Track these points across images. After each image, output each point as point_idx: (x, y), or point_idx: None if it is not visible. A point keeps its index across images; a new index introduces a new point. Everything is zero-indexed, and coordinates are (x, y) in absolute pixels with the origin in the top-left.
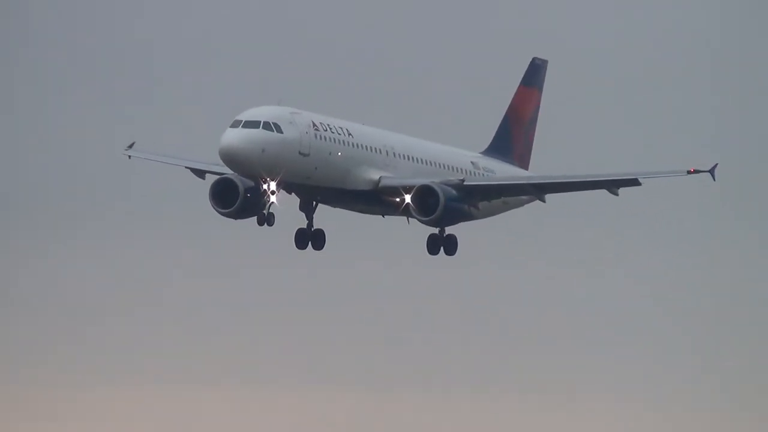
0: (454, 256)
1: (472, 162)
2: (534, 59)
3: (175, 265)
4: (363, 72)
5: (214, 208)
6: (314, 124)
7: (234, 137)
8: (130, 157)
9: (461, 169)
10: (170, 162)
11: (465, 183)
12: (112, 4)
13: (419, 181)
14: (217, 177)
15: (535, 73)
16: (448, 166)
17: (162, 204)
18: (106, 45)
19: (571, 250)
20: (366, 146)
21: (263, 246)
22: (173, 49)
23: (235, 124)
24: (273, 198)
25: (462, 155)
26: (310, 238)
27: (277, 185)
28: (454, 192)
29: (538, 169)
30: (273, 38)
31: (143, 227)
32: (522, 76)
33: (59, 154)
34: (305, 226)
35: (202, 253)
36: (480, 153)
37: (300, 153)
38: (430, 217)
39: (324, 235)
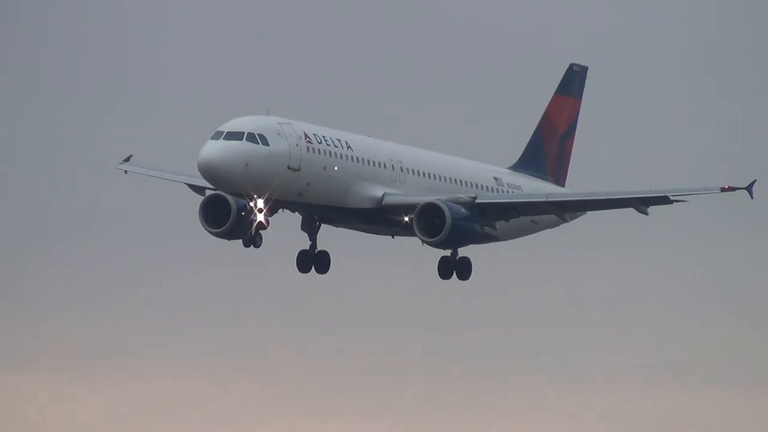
0: (467, 280)
1: (495, 178)
2: (572, 65)
3: (168, 288)
4: (375, 80)
5: (204, 227)
6: (306, 136)
7: (214, 150)
8: (126, 171)
9: (482, 186)
10: (168, 177)
11: (477, 201)
12: (108, 16)
13: (426, 198)
14: (209, 194)
15: (572, 81)
16: (466, 182)
17: (156, 222)
18: (101, 55)
19: (596, 274)
20: (368, 160)
21: (262, 269)
22: (173, 61)
23: (216, 136)
24: (260, 217)
25: (484, 170)
26: (313, 260)
27: (265, 203)
28: (463, 210)
29: (576, 185)
30: (273, 46)
31: (136, 246)
32: (558, 83)
33: (51, 166)
34: (308, 248)
35: (196, 277)
36: (508, 168)
37: (289, 167)
38: (436, 239)
39: (329, 257)
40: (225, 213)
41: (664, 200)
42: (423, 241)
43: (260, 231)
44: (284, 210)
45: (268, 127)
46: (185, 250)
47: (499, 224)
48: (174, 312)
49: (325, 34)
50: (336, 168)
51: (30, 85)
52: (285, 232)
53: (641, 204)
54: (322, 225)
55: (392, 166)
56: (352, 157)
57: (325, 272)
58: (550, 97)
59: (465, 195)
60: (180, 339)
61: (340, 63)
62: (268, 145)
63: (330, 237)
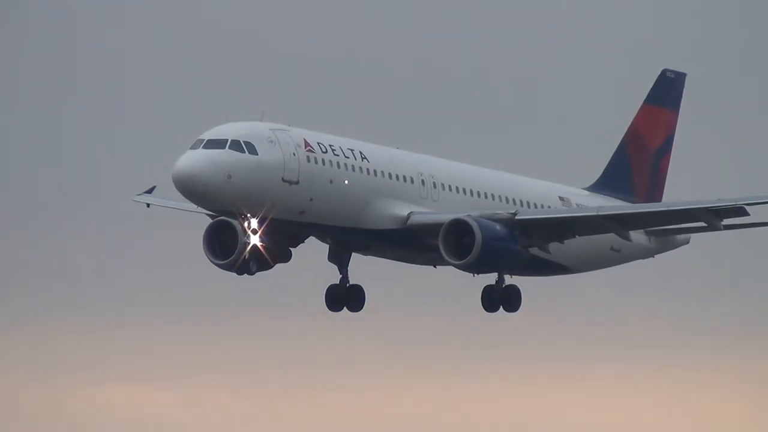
0: (515, 312)
1: (560, 198)
2: (665, 72)
3: (184, 329)
4: (427, 89)
5: (209, 258)
6: (308, 144)
7: (190, 160)
8: (148, 205)
9: (543, 207)
10: (191, 210)
11: (517, 217)
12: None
13: (454, 214)
14: (215, 219)
15: (666, 89)
16: (520, 201)
17: (170, 255)
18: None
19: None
20: (390, 173)
21: (286, 306)
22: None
23: (196, 145)
24: (254, 239)
25: (546, 188)
26: (344, 296)
27: (260, 222)
28: (499, 228)
29: None
30: (294, 50)
31: (147, 282)
32: (647, 92)
33: (63, 197)
34: (338, 282)
35: (211, 316)
36: (585, 189)
37: (284, 180)
38: (464, 261)
39: (363, 292)
40: (232, 242)
41: (739, 212)
42: (453, 265)
43: (255, 256)
44: (283, 232)
45: (258, 133)
46: (203, 287)
47: (561, 250)
48: (192, 360)
49: (358, 34)
50: (346, 182)
51: (44, 113)
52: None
53: (712, 217)
54: (353, 256)
55: (422, 180)
56: (368, 169)
57: (359, 310)
58: (638, 108)
59: (504, 211)
60: (195, 391)
61: (378, 70)
62: (257, 154)
63: (362, 269)
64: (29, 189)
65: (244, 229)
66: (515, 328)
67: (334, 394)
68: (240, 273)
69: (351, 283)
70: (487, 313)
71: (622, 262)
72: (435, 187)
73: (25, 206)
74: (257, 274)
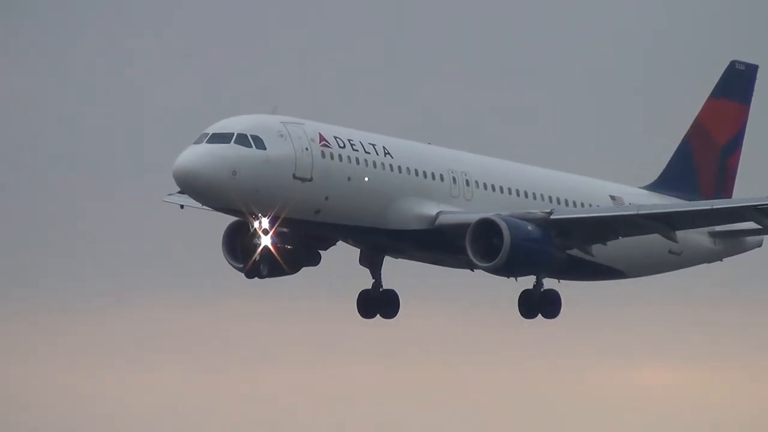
0: (554, 319)
1: (612, 196)
2: (733, 63)
3: (209, 334)
4: (467, 81)
5: (228, 261)
6: (323, 139)
7: (192, 155)
8: (182, 206)
9: (592, 206)
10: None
11: (552, 216)
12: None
13: (482, 213)
14: (234, 220)
15: (735, 82)
16: (565, 201)
17: (197, 258)
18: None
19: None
20: (417, 170)
21: (315, 313)
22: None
23: (200, 139)
24: (266, 240)
25: (596, 187)
26: (377, 303)
27: (271, 222)
28: (530, 228)
29: None
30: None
31: (171, 285)
32: (713, 85)
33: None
34: (370, 287)
35: (231, 322)
36: (643, 188)
37: (296, 177)
38: (492, 263)
39: (397, 298)
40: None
41: None
42: (481, 268)
43: (267, 258)
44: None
45: (267, 126)
46: (226, 291)
47: (609, 252)
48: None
49: (389, 24)
50: (366, 179)
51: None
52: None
53: (762, 216)
54: (386, 260)
55: (453, 178)
56: (391, 165)
57: (393, 316)
58: (703, 102)
59: (538, 210)
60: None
61: (412, 62)
62: (265, 149)
63: (396, 273)
64: (61, 192)
65: (254, 231)
66: (552, 336)
67: (364, 403)
68: (250, 276)
69: (384, 288)
70: (525, 319)
71: (684, 266)
72: (468, 185)
73: (56, 208)
74: (284, 277)
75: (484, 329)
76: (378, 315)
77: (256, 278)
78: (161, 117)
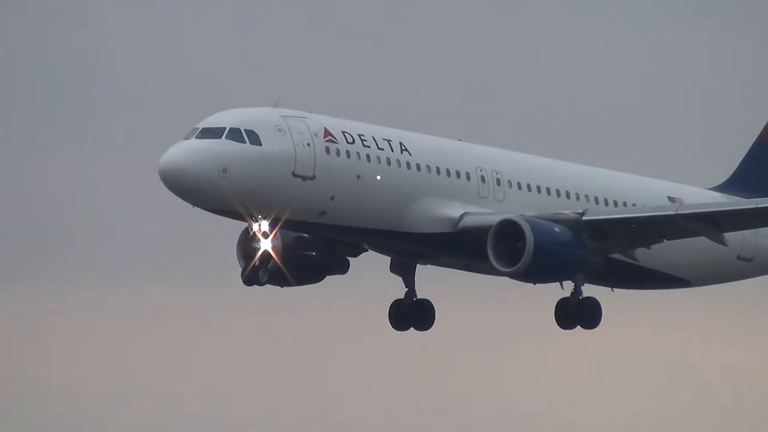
0: (594, 329)
1: (670, 197)
2: None
3: (229, 344)
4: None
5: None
6: (328, 133)
7: (178, 152)
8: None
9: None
10: None
11: (585, 218)
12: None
13: (505, 214)
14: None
15: None
16: (614, 202)
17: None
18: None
19: None
20: (440, 168)
21: (343, 323)
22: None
23: (190, 134)
24: (265, 244)
25: (653, 187)
26: (411, 313)
27: (271, 225)
28: (558, 230)
29: None
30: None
31: (188, 291)
32: None
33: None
34: (403, 297)
35: (255, 337)
36: (712, 188)
37: (295, 174)
38: (514, 268)
39: (432, 308)
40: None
41: None
42: (503, 274)
43: (266, 263)
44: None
45: (264, 120)
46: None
47: (662, 258)
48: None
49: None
50: (379, 177)
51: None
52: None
53: None
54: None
55: (481, 177)
56: (408, 163)
57: (427, 328)
58: None
59: (570, 211)
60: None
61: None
62: (260, 145)
63: (431, 281)
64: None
65: (253, 233)
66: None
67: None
68: (248, 283)
69: (418, 297)
70: (563, 330)
71: (756, 275)
72: (499, 184)
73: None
74: (307, 286)
75: (521, 340)
76: (411, 327)
77: (254, 285)
78: (156, 111)
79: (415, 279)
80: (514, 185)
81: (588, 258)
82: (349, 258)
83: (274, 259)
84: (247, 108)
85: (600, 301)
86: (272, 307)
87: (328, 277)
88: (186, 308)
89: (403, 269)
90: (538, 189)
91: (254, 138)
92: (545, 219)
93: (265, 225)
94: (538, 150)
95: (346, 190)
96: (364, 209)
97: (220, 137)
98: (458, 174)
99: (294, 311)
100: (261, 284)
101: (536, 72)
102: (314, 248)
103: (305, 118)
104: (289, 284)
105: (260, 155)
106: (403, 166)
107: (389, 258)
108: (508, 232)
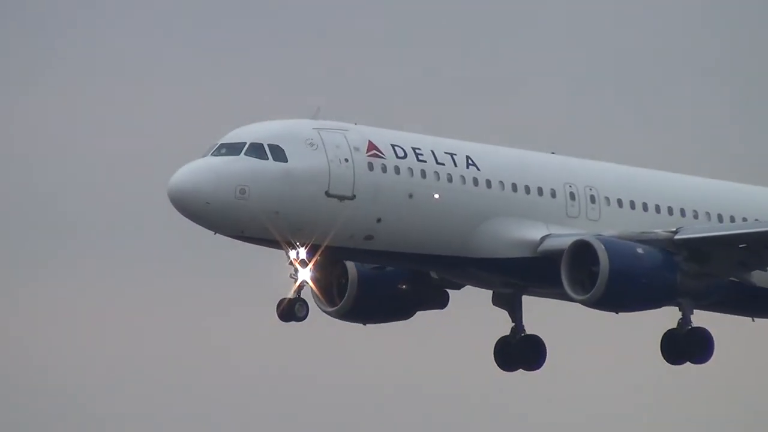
0: (704, 364)
1: None
2: None
3: (312, 392)
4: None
5: (317, 304)
6: (373, 147)
7: (188, 172)
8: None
9: None
10: None
11: (678, 237)
12: None
13: (579, 234)
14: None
15: None
16: (731, 218)
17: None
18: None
19: None
20: (517, 185)
21: (442, 363)
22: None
23: (207, 151)
24: (304, 273)
25: None
26: (518, 351)
27: (309, 252)
28: (639, 252)
29: None
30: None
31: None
32: None
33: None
34: (509, 333)
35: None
36: None
37: (330, 194)
38: (587, 296)
39: (542, 345)
40: (342, 283)
41: None
42: (576, 301)
43: (301, 297)
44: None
45: (292, 134)
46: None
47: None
48: None
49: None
50: (437, 196)
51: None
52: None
53: None
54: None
55: (570, 193)
56: (476, 179)
57: (537, 367)
58: None
59: (661, 230)
60: None
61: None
62: (286, 161)
63: (539, 314)
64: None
65: (292, 262)
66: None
67: None
68: (285, 319)
69: (526, 333)
70: (671, 365)
71: None
72: (594, 201)
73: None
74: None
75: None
76: (520, 368)
77: (292, 322)
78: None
79: (522, 312)
80: (613, 202)
81: (683, 283)
82: (448, 290)
83: (316, 289)
84: (276, 120)
85: (711, 332)
86: (356, 346)
87: (419, 313)
88: (257, 346)
89: (508, 301)
90: (645, 206)
91: (279, 153)
92: (628, 239)
93: (302, 252)
94: (641, 161)
95: (396, 211)
96: (420, 232)
97: (239, 153)
98: (540, 191)
99: (383, 351)
100: (299, 320)
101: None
102: (403, 280)
103: (345, 130)
104: (372, 321)
105: (286, 173)
106: (469, 182)
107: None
108: (584, 254)
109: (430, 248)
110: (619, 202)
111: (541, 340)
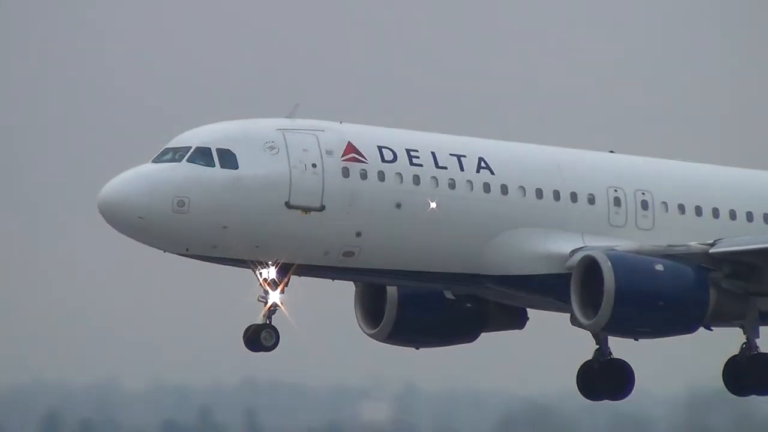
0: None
1: None
2: None
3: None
4: None
5: (360, 325)
6: (352, 150)
7: (119, 182)
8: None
9: None
10: None
11: (713, 250)
12: None
13: (589, 250)
14: None
15: None
16: None
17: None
18: None
19: None
20: (542, 190)
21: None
22: None
23: (155, 157)
24: (273, 295)
25: None
26: (602, 377)
27: (280, 272)
28: (658, 269)
29: None
30: None
31: None
32: None
33: None
34: (591, 357)
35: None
36: None
37: (290, 205)
38: (591, 321)
39: (629, 371)
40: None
41: None
42: (583, 327)
43: (270, 323)
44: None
45: (248, 136)
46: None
47: None
48: None
49: None
50: (433, 205)
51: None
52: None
53: None
54: None
55: (615, 198)
56: (487, 185)
57: (623, 396)
58: None
59: (696, 242)
60: None
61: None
62: (236, 167)
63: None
64: None
65: (263, 282)
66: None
67: None
68: (252, 348)
69: (611, 357)
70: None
71: None
72: (646, 207)
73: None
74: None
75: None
76: (605, 397)
77: (260, 351)
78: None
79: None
80: (673, 208)
81: (723, 303)
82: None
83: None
84: (235, 121)
85: None
86: (413, 370)
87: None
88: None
89: None
90: (716, 212)
91: (228, 159)
92: (650, 253)
93: (271, 272)
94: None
95: (380, 223)
96: (413, 247)
97: (181, 159)
98: (574, 197)
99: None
100: (267, 349)
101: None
102: (467, 299)
103: (320, 131)
104: (425, 344)
105: (234, 181)
106: (478, 189)
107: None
108: (594, 272)
109: (429, 264)
110: (681, 208)
111: (626, 364)
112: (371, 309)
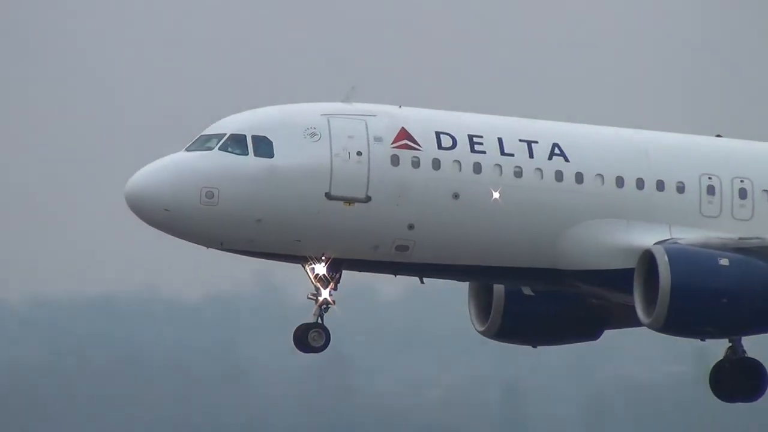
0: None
1: None
2: None
3: None
4: None
5: (472, 322)
6: (405, 136)
7: (146, 172)
8: None
9: None
10: None
11: None
12: None
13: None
14: None
15: None
16: None
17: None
18: None
19: None
20: (623, 178)
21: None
22: None
23: (190, 145)
24: (324, 293)
25: None
26: (732, 378)
27: (330, 268)
28: (722, 264)
29: None
30: None
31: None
32: None
33: None
34: (723, 357)
35: None
36: None
37: (331, 196)
38: (650, 319)
39: (763, 371)
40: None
41: None
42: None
43: (321, 322)
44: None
45: (288, 122)
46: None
47: None
48: None
49: None
50: (496, 195)
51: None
52: None
53: None
54: None
55: (708, 187)
56: (559, 173)
57: (757, 397)
58: None
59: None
60: None
61: None
62: (272, 156)
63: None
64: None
65: (319, 279)
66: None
67: None
68: (302, 349)
69: (744, 355)
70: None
71: None
72: (745, 196)
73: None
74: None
75: None
76: (738, 399)
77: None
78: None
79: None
80: None
81: None
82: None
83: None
84: (277, 106)
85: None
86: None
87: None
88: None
89: None
90: None
91: (264, 147)
92: (717, 247)
93: (319, 268)
94: None
95: (435, 215)
96: (474, 241)
97: (212, 148)
98: (660, 185)
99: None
100: (317, 350)
101: None
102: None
103: (371, 116)
104: (541, 342)
105: (268, 171)
106: (549, 177)
107: None
108: (653, 267)
109: (493, 259)
110: None
111: (760, 365)
112: (485, 305)
